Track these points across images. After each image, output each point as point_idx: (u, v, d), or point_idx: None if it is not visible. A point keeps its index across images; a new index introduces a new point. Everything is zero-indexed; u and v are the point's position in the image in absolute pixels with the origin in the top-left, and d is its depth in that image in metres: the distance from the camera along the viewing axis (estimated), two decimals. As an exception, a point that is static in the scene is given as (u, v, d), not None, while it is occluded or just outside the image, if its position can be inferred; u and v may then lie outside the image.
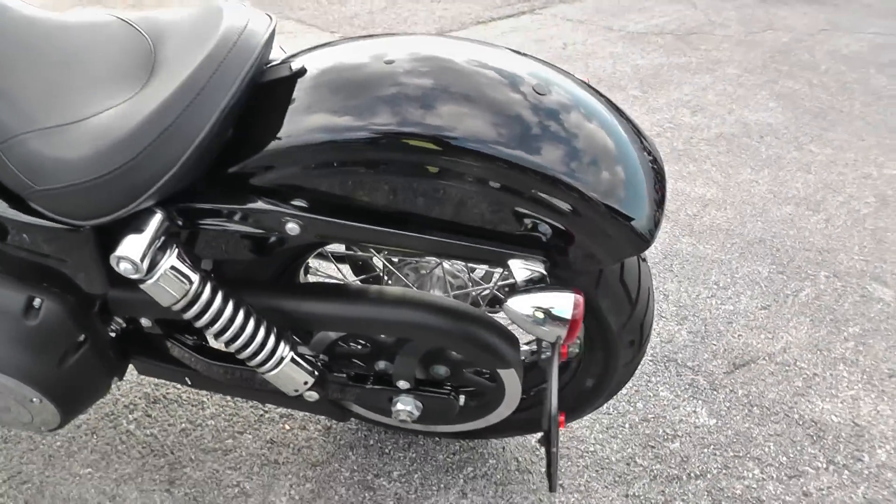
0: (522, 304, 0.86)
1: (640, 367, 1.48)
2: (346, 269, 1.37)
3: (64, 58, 0.90)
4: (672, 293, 1.83)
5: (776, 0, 4.17)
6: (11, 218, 0.90)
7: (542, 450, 1.38)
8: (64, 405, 1.03)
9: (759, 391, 1.54)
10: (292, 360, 1.00)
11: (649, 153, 0.91)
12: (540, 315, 0.86)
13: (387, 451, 1.41)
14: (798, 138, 2.61)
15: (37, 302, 0.96)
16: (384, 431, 1.43)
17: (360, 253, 1.27)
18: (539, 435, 1.29)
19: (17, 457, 1.34)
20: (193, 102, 0.81)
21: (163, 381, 1.43)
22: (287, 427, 1.44)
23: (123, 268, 0.85)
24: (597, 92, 0.94)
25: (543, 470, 1.33)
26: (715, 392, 1.54)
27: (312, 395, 1.07)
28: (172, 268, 0.87)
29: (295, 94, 0.87)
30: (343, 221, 0.86)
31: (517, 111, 0.83)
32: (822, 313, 1.79)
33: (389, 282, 1.28)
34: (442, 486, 1.34)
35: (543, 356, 1.24)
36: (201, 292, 0.91)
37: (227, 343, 0.96)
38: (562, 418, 1.05)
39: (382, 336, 1.03)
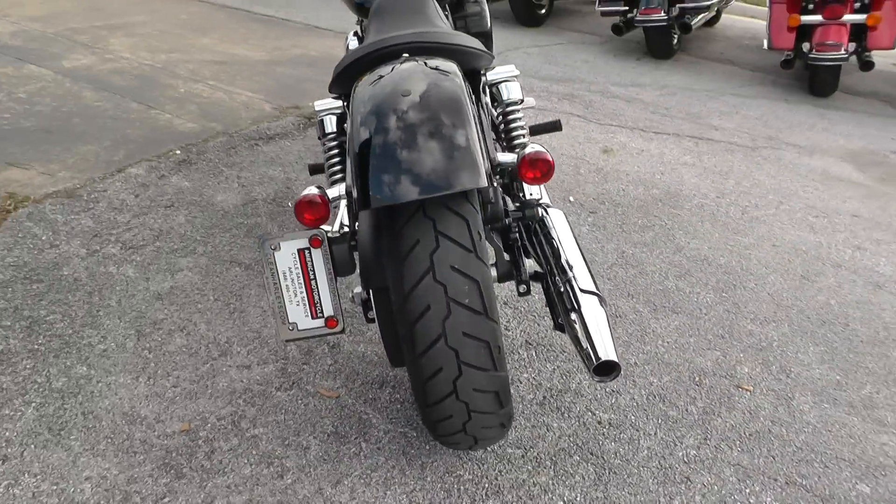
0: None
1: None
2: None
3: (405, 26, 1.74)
4: None
5: None
6: None
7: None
8: None
9: None
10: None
11: (453, 156, 1.20)
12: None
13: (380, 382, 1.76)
14: None
15: None
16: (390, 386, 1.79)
17: None
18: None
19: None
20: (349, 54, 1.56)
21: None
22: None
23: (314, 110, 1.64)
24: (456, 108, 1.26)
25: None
26: None
27: None
28: (323, 119, 1.62)
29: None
30: None
31: (388, 99, 1.27)
32: None
33: None
34: (356, 434, 1.64)
35: None
36: (329, 141, 1.62)
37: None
38: (333, 323, 1.37)
39: None
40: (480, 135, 1.26)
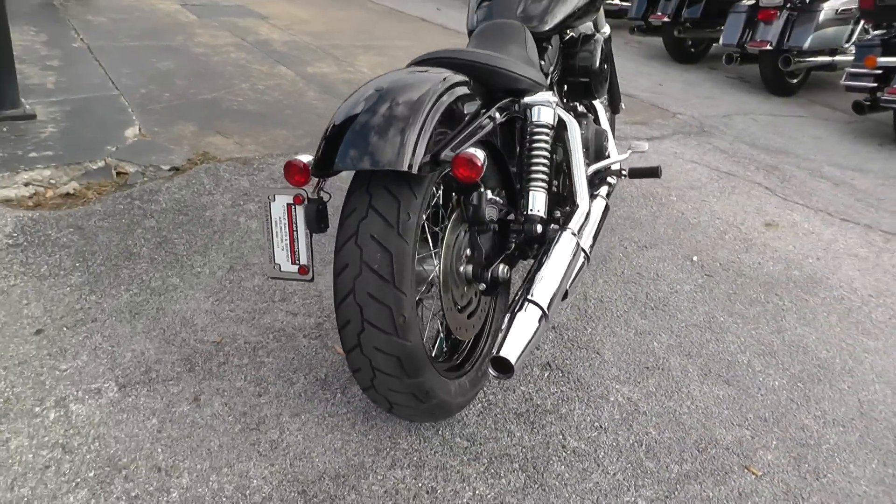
0: None
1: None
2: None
3: None
4: None
5: None
6: None
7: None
8: None
9: None
10: None
11: (383, 141, 1.41)
12: None
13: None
14: None
15: None
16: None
17: None
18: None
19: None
20: None
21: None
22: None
23: None
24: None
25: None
26: None
27: None
28: None
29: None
30: None
31: (370, 93, 1.51)
32: None
33: None
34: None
35: None
36: None
37: None
38: (304, 270, 1.59)
39: None
40: (428, 131, 1.44)
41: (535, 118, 1.80)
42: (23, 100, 3.18)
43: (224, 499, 1.50)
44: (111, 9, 5.82)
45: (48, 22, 5.03)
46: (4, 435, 1.60)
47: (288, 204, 1.61)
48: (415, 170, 1.39)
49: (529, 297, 1.55)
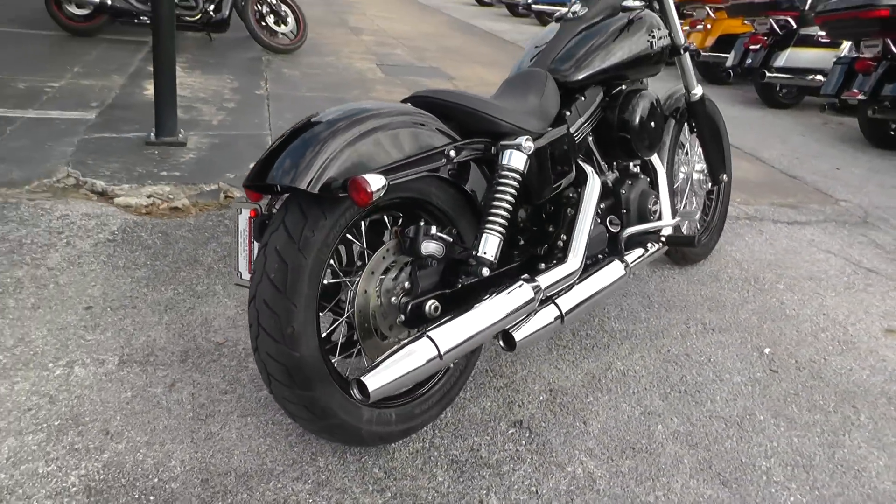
0: None
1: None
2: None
3: None
4: None
5: None
6: None
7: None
8: None
9: None
10: None
11: (293, 160, 1.50)
12: None
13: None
14: None
15: None
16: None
17: None
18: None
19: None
20: None
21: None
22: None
23: None
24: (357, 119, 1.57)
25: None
26: None
27: None
28: None
29: None
30: None
31: (313, 118, 1.62)
32: None
33: None
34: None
35: None
36: None
37: None
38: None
39: None
40: (342, 155, 1.51)
41: (503, 161, 1.80)
42: (181, 130, 3.78)
43: (140, 470, 1.66)
44: (309, 65, 6.63)
45: (246, 73, 5.88)
46: (15, 378, 1.92)
47: (248, 217, 1.77)
48: (314, 189, 1.47)
49: (429, 332, 1.54)
